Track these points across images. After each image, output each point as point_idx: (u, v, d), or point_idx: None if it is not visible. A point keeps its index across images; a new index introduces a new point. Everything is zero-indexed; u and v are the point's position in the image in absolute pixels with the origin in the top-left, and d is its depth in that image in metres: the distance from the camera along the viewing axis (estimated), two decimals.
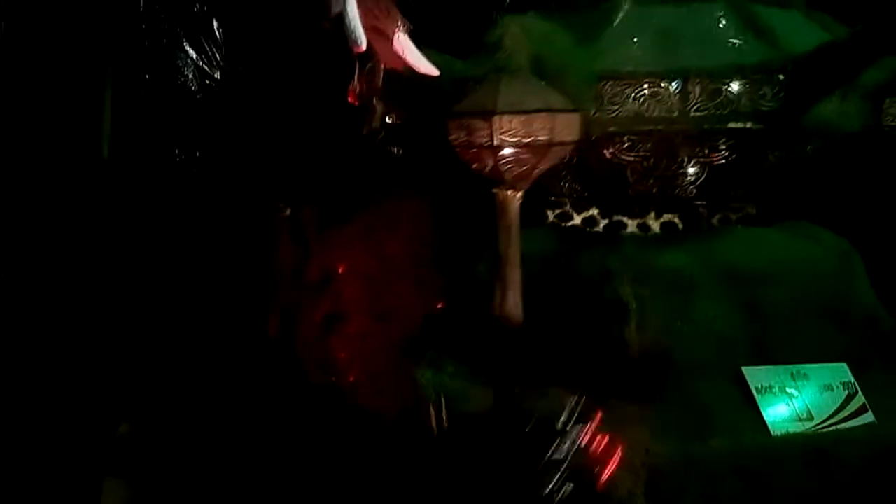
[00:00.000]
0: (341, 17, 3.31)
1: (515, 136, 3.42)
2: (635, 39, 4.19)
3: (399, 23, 3.45)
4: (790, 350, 4.13)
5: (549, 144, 3.47)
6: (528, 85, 3.50)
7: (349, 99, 3.60)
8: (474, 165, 3.58)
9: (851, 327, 4.26)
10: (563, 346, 4.08)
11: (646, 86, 4.01)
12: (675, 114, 4.02)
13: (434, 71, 3.55)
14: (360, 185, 4.08)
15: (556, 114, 3.47)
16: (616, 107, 4.05)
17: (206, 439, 4.02)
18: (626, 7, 4.36)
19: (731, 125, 4.01)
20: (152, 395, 4.11)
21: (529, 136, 3.42)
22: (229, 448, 4.00)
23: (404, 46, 3.48)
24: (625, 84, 4.03)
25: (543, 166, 3.58)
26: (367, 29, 3.32)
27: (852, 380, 4.02)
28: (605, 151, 4.21)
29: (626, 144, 4.17)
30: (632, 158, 4.22)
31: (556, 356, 4.03)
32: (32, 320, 4.06)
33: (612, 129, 4.09)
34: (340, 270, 4.18)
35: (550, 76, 3.77)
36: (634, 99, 4.03)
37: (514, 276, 3.66)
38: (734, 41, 4.13)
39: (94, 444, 3.95)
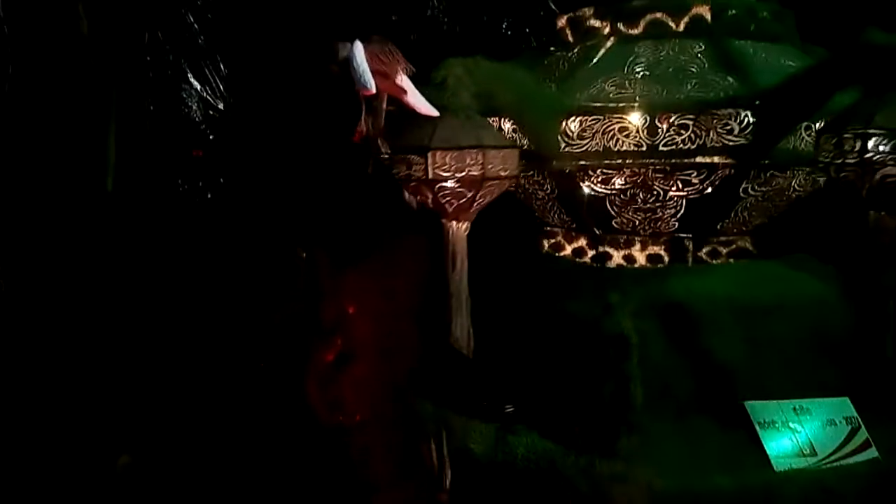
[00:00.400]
0: (349, 61, 3.48)
1: (449, 171, 3.59)
2: (612, 76, 4.29)
3: (402, 66, 3.58)
4: (792, 384, 4.12)
5: (483, 178, 3.60)
6: (465, 122, 3.64)
7: (354, 139, 3.70)
8: (417, 198, 3.74)
9: (853, 360, 4.22)
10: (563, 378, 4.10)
11: (614, 121, 4.11)
12: (644, 148, 4.10)
13: (434, 112, 3.65)
14: (365, 224, 4.13)
15: (487, 149, 3.59)
16: (585, 141, 4.17)
17: (210, 474, 4.05)
18: (608, 45, 4.50)
19: (699, 159, 4.07)
20: (155, 428, 4.15)
21: (462, 171, 3.58)
22: (234, 483, 4.04)
23: (407, 88, 3.61)
24: (593, 119, 4.15)
25: (483, 200, 3.72)
26: (372, 72, 3.48)
27: (855, 414, 3.99)
28: (581, 184, 4.32)
29: (600, 177, 4.27)
30: (609, 191, 4.32)
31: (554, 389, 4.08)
32: (37, 355, 4.16)
33: (582, 162, 4.21)
34: (351, 311, 4.22)
35: (503, 112, 3.88)
36: (603, 133, 4.14)
37: (463, 304, 3.79)
38: (708, 77, 4.18)
39: (95, 476, 3.98)
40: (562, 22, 4.76)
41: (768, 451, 3.86)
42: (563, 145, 4.18)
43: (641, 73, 4.26)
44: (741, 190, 4.26)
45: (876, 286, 3.94)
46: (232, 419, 4.15)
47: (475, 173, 3.57)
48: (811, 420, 3.97)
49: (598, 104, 4.15)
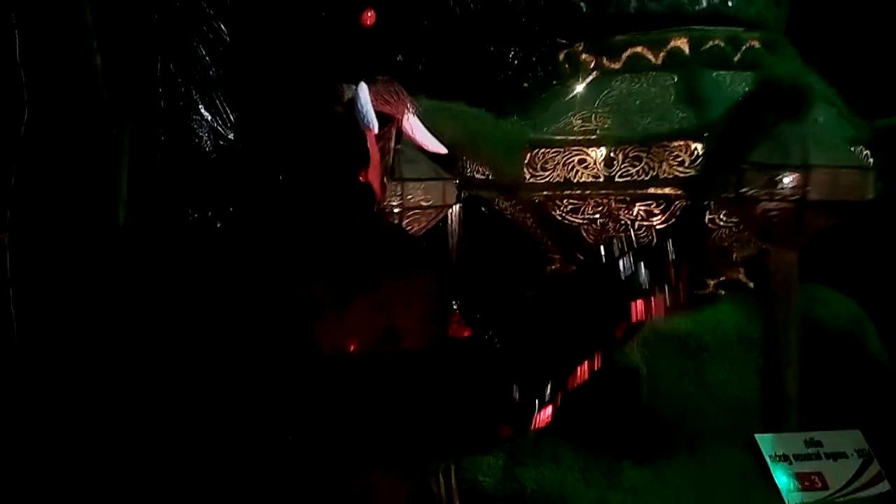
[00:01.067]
0: (353, 101, 3.61)
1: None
2: (582, 110, 4.65)
3: (408, 105, 3.71)
4: (803, 416, 4.22)
5: (403, 209, 4.06)
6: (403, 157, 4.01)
7: (360, 178, 3.77)
8: None
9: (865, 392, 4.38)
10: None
11: (574, 153, 4.46)
12: (602, 179, 4.41)
13: (442, 149, 3.85)
14: (371, 261, 4.10)
15: (406, 182, 4.03)
16: (548, 172, 4.52)
17: None
18: (589, 79, 4.84)
19: (652, 191, 4.35)
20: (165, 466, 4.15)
21: (382, 202, 3.89)
22: None
23: (414, 127, 3.75)
24: (555, 151, 4.51)
25: (411, 228, 4.15)
26: (377, 112, 3.60)
27: (867, 447, 4.08)
28: (552, 213, 4.67)
29: (568, 207, 4.61)
30: (581, 220, 4.64)
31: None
32: (51, 389, 4.33)
33: (546, 193, 4.57)
34: (352, 349, 4.48)
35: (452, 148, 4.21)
36: (564, 165, 4.48)
37: None
38: (668, 110, 4.47)
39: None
40: (561, 56, 5.10)
41: (779, 485, 3.94)
42: (528, 177, 4.55)
43: (609, 107, 4.59)
44: (707, 220, 4.47)
45: (774, 321, 4.08)
46: (233, 452, 4.02)
47: (394, 203, 3.97)
48: (822, 453, 4.04)
49: (560, 137, 4.52)
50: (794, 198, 3.77)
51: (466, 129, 4.29)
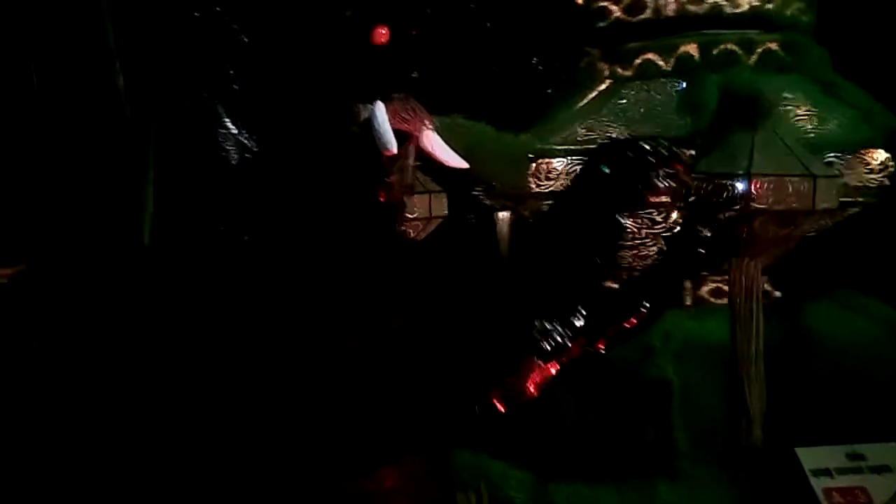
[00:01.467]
0: (369, 121, 3.66)
1: None
2: (588, 119, 4.78)
3: (426, 121, 3.78)
4: (845, 429, 4.18)
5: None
6: None
7: (380, 197, 3.83)
8: None
9: None
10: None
11: (575, 162, 4.56)
12: None
13: (463, 164, 3.92)
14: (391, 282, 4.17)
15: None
16: (552, 182, 4.65)
17: None
18: (601, 88, 4.96)
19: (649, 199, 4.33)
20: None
21: None
22: None
23: (433, 143, 3.80)
24: (559, 161, 4.64)
25: None
26: (395, 131, 3.65)
27: None
28: None
29: None
30: None
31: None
32: (75, 418, 4.11)
33: (550, 202, 4.61)
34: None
35: None
36: (567, 174, 4.61)
37: None
38: (669, 118, 4.56)
39: None
40: (583, 63, 5.18)
41: (821, 501, 3.90)
42: (533, 186, 4.67)
43: (614, 116, 4.71)
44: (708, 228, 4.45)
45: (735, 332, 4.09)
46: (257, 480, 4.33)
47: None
48: (865, 466, 3.99)
49: (564, 146, 4.65)
50: (737, 207, 3.82)
51: (465, 142, 4.34)
